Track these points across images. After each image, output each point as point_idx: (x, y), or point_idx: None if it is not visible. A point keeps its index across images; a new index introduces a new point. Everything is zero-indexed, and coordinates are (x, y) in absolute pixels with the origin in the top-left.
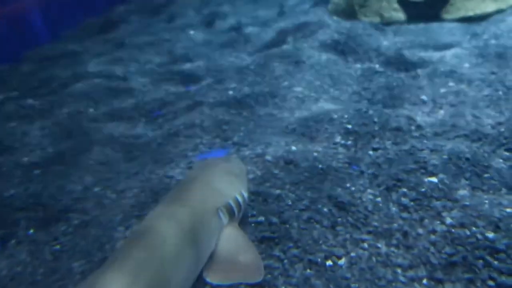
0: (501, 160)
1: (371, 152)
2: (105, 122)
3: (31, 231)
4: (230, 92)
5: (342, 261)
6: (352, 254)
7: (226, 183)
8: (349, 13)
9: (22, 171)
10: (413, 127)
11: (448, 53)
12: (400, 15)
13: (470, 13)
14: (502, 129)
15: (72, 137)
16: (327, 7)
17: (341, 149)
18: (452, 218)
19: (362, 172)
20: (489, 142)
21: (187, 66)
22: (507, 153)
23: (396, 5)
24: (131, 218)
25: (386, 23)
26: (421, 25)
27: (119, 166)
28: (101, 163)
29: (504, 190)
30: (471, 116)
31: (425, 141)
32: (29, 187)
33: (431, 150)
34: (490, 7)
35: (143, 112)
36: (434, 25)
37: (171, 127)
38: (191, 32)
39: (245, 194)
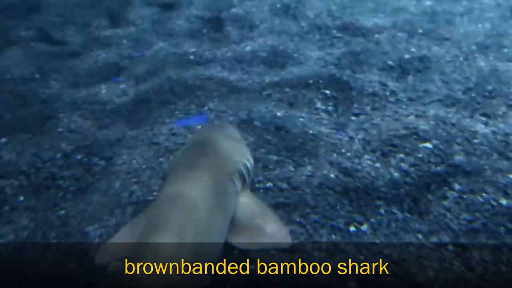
0: (482, 125)
1: (353, 118)
2: (60, 88)
3: (21, 198)
4: (191, 57)
5: (364, 227)
6: (372, 220)
7: (233, 149)
8: None
9: None
10: (387, 93)
11: (400, 18)
12: None
13: None
14: (473, 94)
15: (29, 104)
16: None
17: (323, 115)
18: (459, 184)
19: (351, 138)
20: (463, 107)
21: (132, 29)
22: (484, 118)
23: None
24: (131, 185)
25: None
26: None
27: (94, 133)
28: (72, 131)
29: (495, 155)
30: (440, 81)
31: (404, 106)
32: (1, 156)
33: (416, 116)
34: None
35: (99, 78)
36: None
37: (139, 94)
38: None
39: (251, 160)
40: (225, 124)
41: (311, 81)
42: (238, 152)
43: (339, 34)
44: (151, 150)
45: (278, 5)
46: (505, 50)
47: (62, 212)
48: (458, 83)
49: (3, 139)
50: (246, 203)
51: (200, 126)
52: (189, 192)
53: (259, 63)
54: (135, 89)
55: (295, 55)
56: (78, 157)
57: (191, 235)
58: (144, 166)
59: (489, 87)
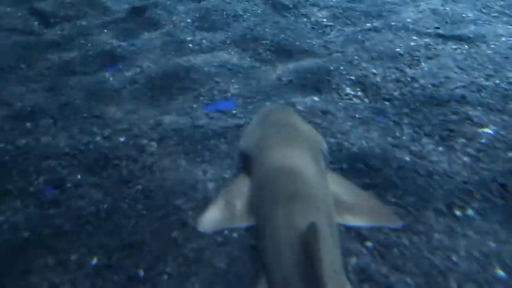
0: None
1: (387, 103)
2: (57, 76)
3: (79, 176)
4: (190, 45)
5: (470, 212)
6: (474, 204)
7: (311, 130)
8: None
9: (12, 124)
10: (408, 79)
11: (387, 7)
12: None
13: None
14: (497, 81)
15: (35, 91)
16: None
17: (356, 100)
18: None
19: (397, 123)
20: (491, 94)
21: (107, 19)
22: None
23: None
24: (198, 164)
25: None
26: None
27: (125, 117)
28: (97, 116)
29: None
30: (457, 68)
31: (433, 92)
32: (38, 138)
33: (456, 101)
34: None
35: (97, 67)
36: None
37: (151, 81)
38: None
39: (325, 141)
40: (287, 106)
41: (331, 67)
42: (315, 132)
43: (330, 23)
44: (197, 132)
45: None
46: (503, 39)
47: (139, 187)
48: (475, 69)
49: (29, 124)
50: (337, 182)
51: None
52: (300, 166)
53: (265, 51)
54: (144, 76)
55: (297, 43)
56: (122, 139)
57: (319, 206)
58: (199, 147)
59: (510, 74)
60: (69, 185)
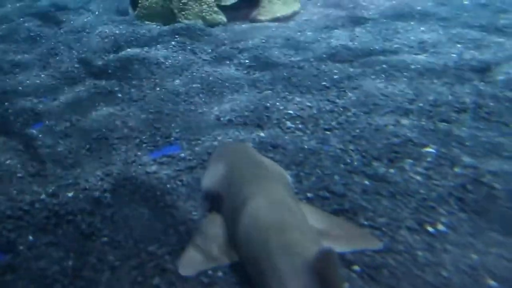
0: (457, 129)
1: (328, 133)
2: None
3: (30, 237)
4: (119, 95)
5: (442, 228)
6: (442, 219)
7: (272, 163)
8: (166, 16)
9: None
10: (341, 109)
11: (308, 54)
12: (222, 17)
13: (278, 15)
14: (420, 104)
15: None
16: (131, 15)
17: (299, 133)
18: (499, 184)
19: (343, 150)
20: (418, 116)
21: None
22: (447, 124)
23: (216, 8)
24: (161, 209)
25: (210, 25)
26: (245, 26)
27: (67, 172)
28: (33, 174)
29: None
30: (381, 95)
31: (368, 118)
32: None
33: (393, 125)
34: (288, 10)
35: (18, 125)
36: (258, 25)
37: (86, 134)
38: None
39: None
40: (243, 143)
41: (268, 104)
42: (278, 166)
43: (253, 63)
44: (151, 178)
45: (173, 43)
46: (412, 67)
47: (105, 239)
48: (398, 96)
49: None
50: (311, 210)
51: (218, 147)
52: (280, 198)
53: (197, 94)
54: (77, 129)
55: (226, 84)
56: (70, 194)
57: (308, 234)
58: (158, 193)
59: (430, 97)
60: (21, 247)
